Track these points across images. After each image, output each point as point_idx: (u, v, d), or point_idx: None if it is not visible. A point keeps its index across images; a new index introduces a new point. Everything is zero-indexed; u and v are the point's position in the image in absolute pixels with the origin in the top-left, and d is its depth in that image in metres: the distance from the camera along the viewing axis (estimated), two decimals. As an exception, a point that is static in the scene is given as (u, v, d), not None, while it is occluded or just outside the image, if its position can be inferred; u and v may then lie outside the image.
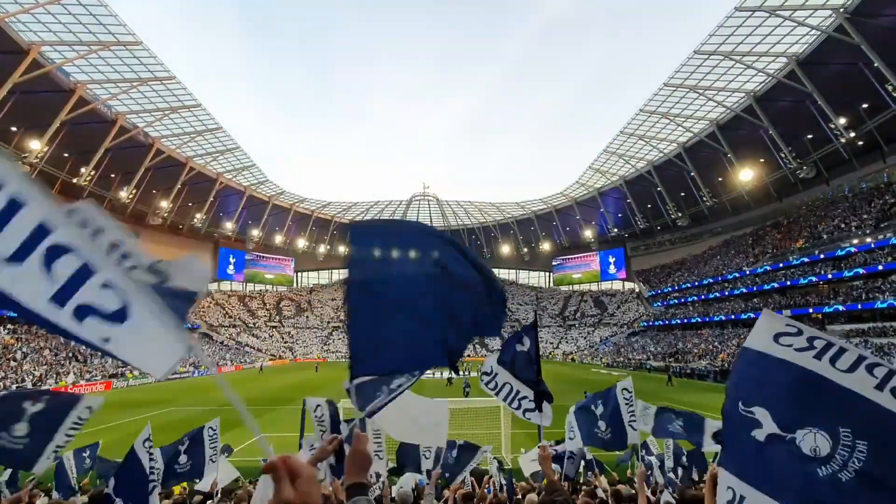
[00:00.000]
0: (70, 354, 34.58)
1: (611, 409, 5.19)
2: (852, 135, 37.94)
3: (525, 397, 3.79)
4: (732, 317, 44.29)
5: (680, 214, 60.58)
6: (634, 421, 5.04)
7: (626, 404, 5.07)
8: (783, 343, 1.51)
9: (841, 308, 33.99)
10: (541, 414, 3.68)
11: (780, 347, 1.51)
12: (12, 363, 29.58)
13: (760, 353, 1.55)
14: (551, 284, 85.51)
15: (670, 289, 58.80)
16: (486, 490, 7.47)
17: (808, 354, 1.45)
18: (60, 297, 1.02)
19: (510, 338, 3.95)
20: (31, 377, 28.90)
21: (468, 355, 62.85)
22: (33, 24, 32.51)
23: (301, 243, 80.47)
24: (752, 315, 41.86)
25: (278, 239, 77.26)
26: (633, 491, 5.86)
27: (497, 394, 3.92)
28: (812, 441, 1.35)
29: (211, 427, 6.01)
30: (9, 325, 34.04)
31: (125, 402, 25.37)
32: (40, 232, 0.98)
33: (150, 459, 4.19)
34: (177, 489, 9.00)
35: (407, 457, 5.83)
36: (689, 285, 54.95)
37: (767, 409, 1.46)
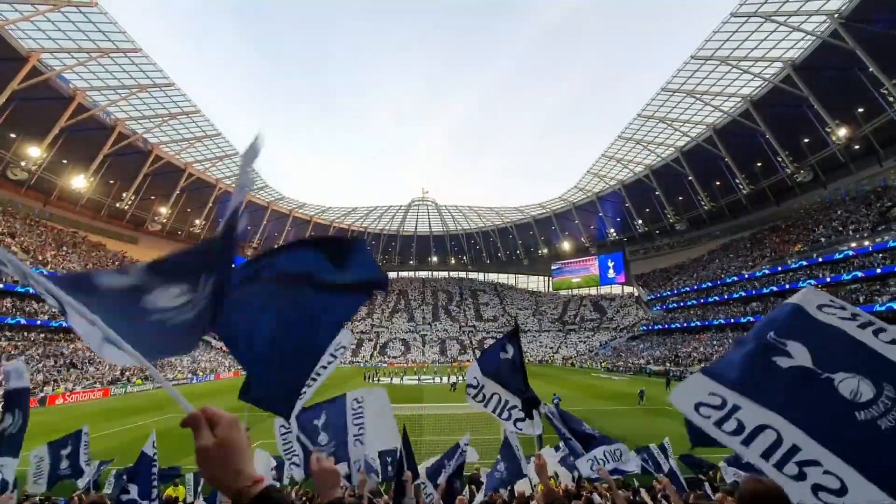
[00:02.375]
0: (68, 362, 34.42)
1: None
2: (849, 139, 38.14)
3: (514, 406, 3.72)
4: (732, 320, 44.26)
5: (678, 218, 60.71)
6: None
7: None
8: (827, 311, 1.54)
9: (840, 311, 33.96)
10: (532, 422, 3.62)
11: (824, 314, 1.54)
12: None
13: (804, 310, 1.57)
14: (550, 289, 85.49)
15: (669, 293, 58.81)
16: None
17: (853, 323, 1.48)
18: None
19: (492, 346, 3.85)
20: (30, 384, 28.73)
21: (466, 360, 62.72)
22: (33, 31, 32.65)
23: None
24: (752, 318, 41.85)
25: (277, 244, 77.08)
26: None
27: (485, 406, 3.81)
28: (854, 385, 1.37)
29: (85, 433, 6.54)
30: (7, 332, 33.89)
31: (124, 410, 25.23)
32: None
33: (153, 465, 4.34)
34: (170, 490, 9.03)
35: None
36: (688, 289, 54.96)
37: (806, 347, 1.48)
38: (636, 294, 71.42)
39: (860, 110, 36.44)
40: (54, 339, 37.43)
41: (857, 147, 39.28)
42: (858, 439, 1.31)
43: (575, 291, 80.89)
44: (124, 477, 4.59)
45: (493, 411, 3.78)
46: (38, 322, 36.20)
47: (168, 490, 8.98)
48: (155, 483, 4.31)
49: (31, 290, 36.47)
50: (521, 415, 3.67)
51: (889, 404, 1.31)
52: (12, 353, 31.74)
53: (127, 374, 36.99)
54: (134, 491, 4.19)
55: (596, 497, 5.65)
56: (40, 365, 32.06)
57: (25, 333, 35.64)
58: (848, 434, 1.32)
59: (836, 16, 31.11)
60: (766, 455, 1.36)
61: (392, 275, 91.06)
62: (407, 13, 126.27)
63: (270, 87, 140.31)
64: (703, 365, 38.46)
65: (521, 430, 3.74)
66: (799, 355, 1.47)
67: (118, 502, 4.20)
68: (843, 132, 37.96)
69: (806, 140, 41.53)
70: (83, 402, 29.91)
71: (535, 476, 5.56)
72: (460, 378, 39.60)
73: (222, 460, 0.83)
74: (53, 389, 29.64)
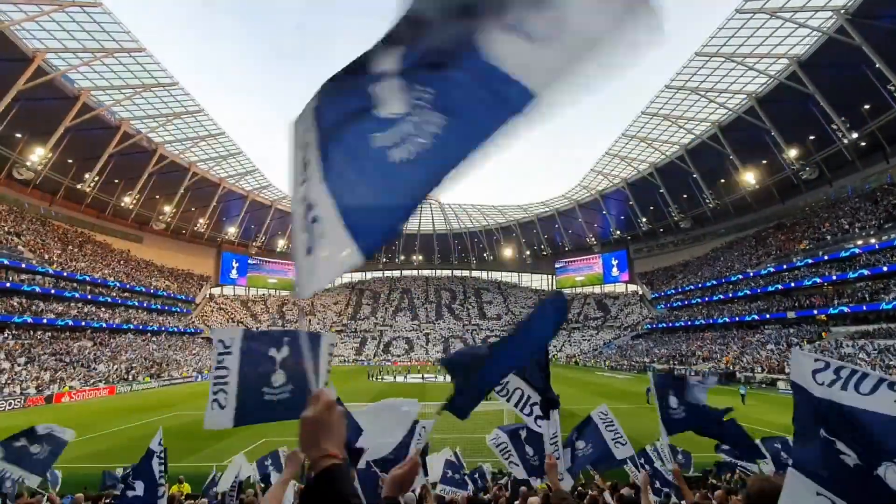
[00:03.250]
0: (74, 360, 34.67)
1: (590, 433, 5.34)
2: (855, 136, 37.81)
3: (535, 403, 3.71)
4: (736, 319, 44.07)
5: (683, 216, 60.43)
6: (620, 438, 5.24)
7: (606, 427, 5.26)
8: (819, 381, 1.57)
9: (845, 310, 33.79)
10: (548, 422, 3.62)
11: (818, 386, 1.57)
12: (16, 367, 29.67)
13: (809, 392, 1.60)
14: (554, 287, 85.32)
15: (673, 291, 58.58)
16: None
17: (837, 386, 1.51)
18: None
19: None
20: (34, 382, 28.99)
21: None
22: (38, 31, 32.81)
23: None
24: (757, 317, 41.66)
25: (281, 243, 77.46)
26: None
27: (508, 400, 3.79)
28: (894, 474, 1.38)
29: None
30: (14, 331, 34.15)
31: (130, 408, 25.40)
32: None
33: (160, 463, 4.26)
34: (175, 488, 9.11)
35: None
36: (692, 287, 54.72)
37: (844, 442, 1.50)
38: (640, 292, 71.18)
39: (867, 107, 36.13)
40: (60, 337, 37.71)
41: (863, 144, 38.95)
42: None
43: (579, 290, 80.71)
44: (130, 474, 4.56)
45: (516, 405, 3.79)
46: (45, 321, 36.47)
47: (173, 488, 9.06)
48: (162, 481, 4.29)
49: (38, 289, 36.78)
50: (541, 412, 3.66)
51: None
52: (19, 351, 32.01)
53: (132, 372, 37.24)
54: (140, 488, 4.15)
55: (606, 495, 5.64)
56: (47, 363, 32.31)
57: (32, 332, 35.91)
58: None
59: (842, 11, 30.82)
60: None
61: (395, 273, 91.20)
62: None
63: (274, 86, 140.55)
64: (707, 364, 38.43)
65: (540, 427, 3.75)
66: (848, 452, 1.48)
67: (124, 499, 4.20)
68: (849, 129, 37.65)
69: (811, 137, 41.22)
70: (89, 399, 30.14)
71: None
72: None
73: (311, 431, 0.95)
74: (60, 388, 29.89)
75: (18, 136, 39.12)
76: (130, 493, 4.17)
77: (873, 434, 1.40)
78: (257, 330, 3.12)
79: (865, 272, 33.28)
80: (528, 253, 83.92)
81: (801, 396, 1.62)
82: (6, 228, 38.52)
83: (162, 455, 4.33)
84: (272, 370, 2.80)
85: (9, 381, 27.77)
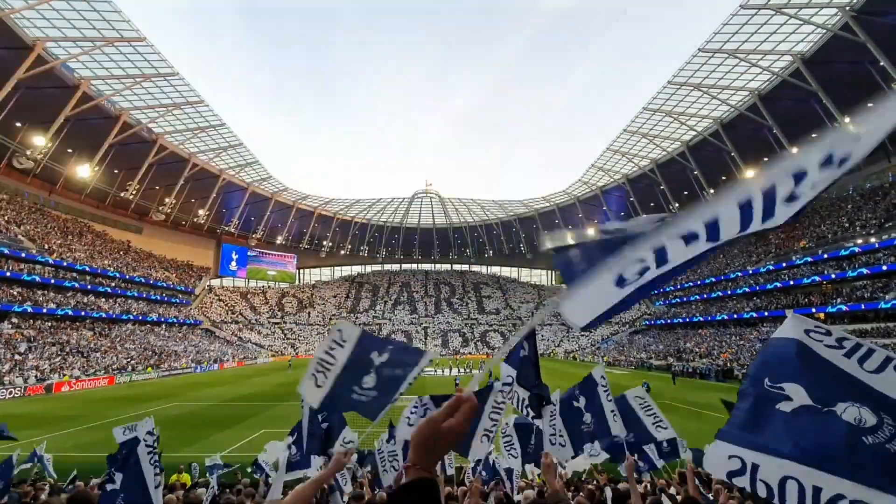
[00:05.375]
0: (74, 350, 34.76)
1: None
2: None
3: (523, 401, 3.76)
4: (734, 316, 44.20)
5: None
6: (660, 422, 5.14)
7: (644, 409, 5.17)
8: (814, 337, 1.54)
9: (844, 308, 33.88)
10: (545, 419, 3.63)
11: (811, 340, 1.53)
12: (16, 357, 29.75)
13: (791, 338, 1.57)
14: (553, 282, 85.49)
15: (672, 287, 58.68)
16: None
17: (839, 352, 1.48)
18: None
19: (514, 348, 3.89)
20: (34, 371, 29.08)
21: (468, 353, 62.97)
22: (38, 20, 32.60)
23: (303, 240, 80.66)
24: (755, 314, 41.75)
25: (280, 235, 77.40)
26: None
27: (510, 400, 3.89)
28: (856, 413, 1.36)
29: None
30: (14, 320, 34.22)
31: (128, 398, 25.51)
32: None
33: (150, 453, 3.99)
34: (175, 477, 9.14)
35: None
36: (691, 284, 54.84)
37: (801, 385, 1.47)
38: (639, 289, 71.17)
39: (869, 105, 35.53)
40: (60, 327, 37.79)
41: (865, 143, 38.79)
42: (874, 462, 1.30)
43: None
44: (111, 466, 4.28)
45: (514, 405, 3.86)
46: (45, 310, 36.53)
47: (173, 477, 9.11)
48: (157, 471, 4.14)
49: (37, 278, 36.82)
50: (529, 411, 3.71)
51: (893, 430, 1.31)
52: (18, 339, 32.09)
53: (132, 362, 37.35)
54: (118, 480, 3.88)
55: (608, 491, 5.68)
56: (47, 353, 32.40)
57: (32, 321, 36.00)
58: (862, 459, 1.31)
59: (847, 8, 30.63)
60: None
61: (395, 267, 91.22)
62: (412, 4, 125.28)
63: (274, 77, 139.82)
64: (704, 360, 38.57)
65: (539, 424, 3.78)
66: (797, 395, 1.47)
67: (104, 494, 4.03)
68: (851, 127, 37.45)
69: (814, 135, 39.95)
70: (89, 389, 30.25)
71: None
72: (463, 371, 39.85)
73: (437, 440, 0.90)
74: (60, 377, 29.99)
75: (18, 125, 39.00)
76: (109, 487, 3.84)
77: (859, 392, 1.38)
78: (371, 333, 3.28)
79: (865, 271, 33.33)
80: (528, 248, 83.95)
81: (770, 351, 1.60)
82: (6, 218, 38.49)
83: (152, 444, 3.99)
84: (367, 372, 2.93)
85: (9, 371, 27.86)
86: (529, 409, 3.76)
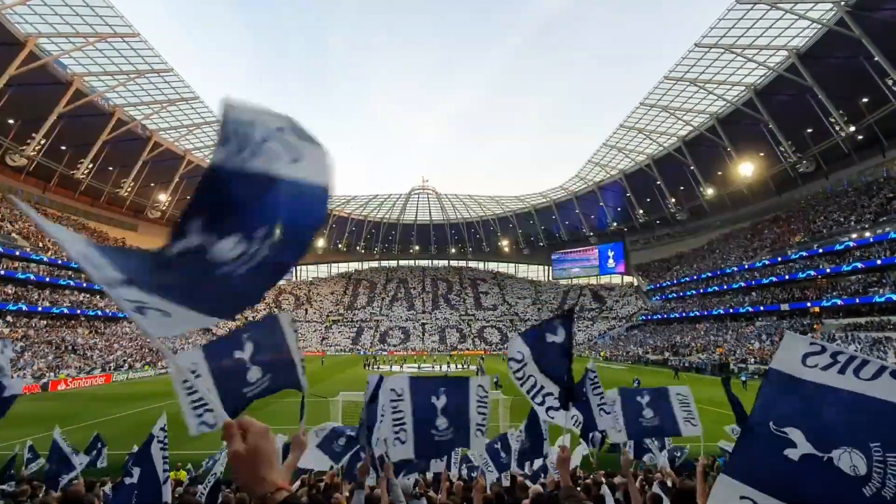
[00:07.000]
0: (70, 348, 34.63)
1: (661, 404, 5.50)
2: (852, 129, 37.80)
3: (550, 394, 3.43)
4: (731, 310, 44.43)
5: (679, 208, 60.54)
6: (692, 417, 5.41)
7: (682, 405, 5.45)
8: (810, 364, 1.54)
9: (839, 302, 34.11)
10: (566, 414, 3.30)
11: (809, 370, 1.53)
12: (11, 356, 29.59)
13: (791, 376, 1.57)
14: (550, 278, 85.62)
15: (669, 283, 58.91)
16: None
17: (833, 370, 1.48)
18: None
19: (539, 324, 3.49)
20: (30, 369, 28.96)
21: (466, 349, 63.06)
22: (30, 15, 32.23)
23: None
24: (751, 309, 41.98)
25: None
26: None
27: (521, 385, 3.53)
28: (849, 460, 1.38)
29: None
30: (8, 318, 34.02)
31: (127, 395, 25.44)
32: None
33: (162, 448, 4.13)
34: (172, 475, 9.11)
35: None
36: (687, 279, 55.06)
37: (801, 431, 1.48)
38: (636, 284, 71.52)
39: (864, 100, 36.11)
40: (55, 325, 37.61)
41: (860, 137, 38.96)
42: None
43: (575, 281, 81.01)
44: (129, 461, 4.41)
45: (528, 393, 3.52)
46: (40, 308, 36.34)
47: (171, 475, 9.07)
48: (166, 466, 4.17)
49: (32, 277, 36.54)
50: (556, 404, 3.41)
51: (882, 471, 1.32)
52: (14, 339, 31.92)
53: (129, 360, 37.25)
54: (136, 474, 3.99)
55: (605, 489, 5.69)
56: (42, 351, 32.26)
57: (27, 320, 35.81)
58: None
59: (842, 3, 30.67)
60: None
61: (392, 263, 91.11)
62: (411, 3, 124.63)
63: (270, 74, 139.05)
64: (701, 355, 38.77)
65: (552, 419, 3.51)
66: (800, 442, 1.47)
67: (121, 487, 4.09)
68: (846, 122, 37.63)
69: (809, 130, 41.21)
70: (86, 387, 30.16)
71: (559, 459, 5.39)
72: (458, 366, 39.95)
73: (251, 467, 0.87)
74: (56, 375, 29.88)
75: (11, 122, 38.63)
76: (128, 481, 3.98)
77: (859, 420, 1.40)
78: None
79: (859, 265, 33.55)
80: (524, 244, 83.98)
81: (771, 387, 1.60)
82: (-1, 216, 38.21)
83: (164, 440, 4.13)
84: (247, 369, 2.95)
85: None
86: (550, 398, 3.45)
